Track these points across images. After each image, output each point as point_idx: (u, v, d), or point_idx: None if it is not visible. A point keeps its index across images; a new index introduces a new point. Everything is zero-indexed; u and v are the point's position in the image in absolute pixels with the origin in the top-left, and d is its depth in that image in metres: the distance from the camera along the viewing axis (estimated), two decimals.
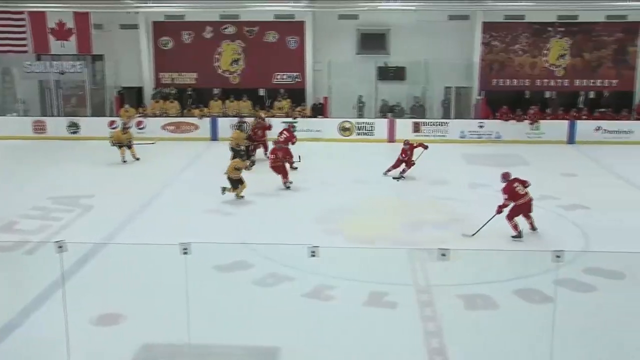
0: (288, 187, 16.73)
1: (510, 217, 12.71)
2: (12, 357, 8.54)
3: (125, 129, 20.60)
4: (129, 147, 20.13)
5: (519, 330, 9.14)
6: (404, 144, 18.23)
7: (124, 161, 19.88)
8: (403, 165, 17.99)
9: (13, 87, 27.09)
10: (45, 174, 18.81)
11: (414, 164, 17.98)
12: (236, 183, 15.51)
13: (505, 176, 13.08)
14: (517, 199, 12.69)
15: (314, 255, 7.15)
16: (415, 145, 18.13)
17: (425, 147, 18.13)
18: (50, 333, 8.38)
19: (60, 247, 7.00)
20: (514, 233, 12.71)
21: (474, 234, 12.39)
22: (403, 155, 17.98)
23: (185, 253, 7.65)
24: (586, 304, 10.02)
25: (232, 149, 18.63)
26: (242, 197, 15.54)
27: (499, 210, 12.59)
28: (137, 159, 20.20)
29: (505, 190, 12.75)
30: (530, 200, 12.80)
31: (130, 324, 9.34)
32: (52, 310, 9.03)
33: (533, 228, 13.02)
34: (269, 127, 21.04)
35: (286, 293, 10.28)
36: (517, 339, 8.88)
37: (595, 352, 8.53)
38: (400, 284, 10.65)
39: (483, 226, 12.47)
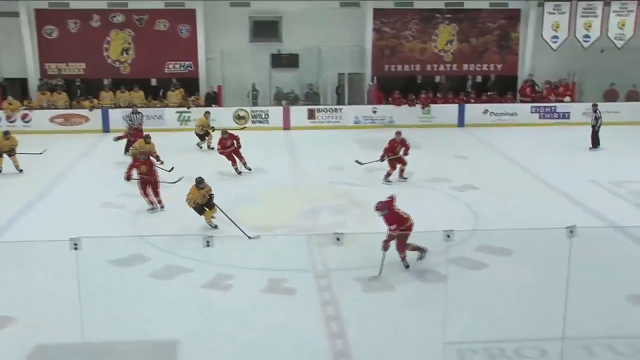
0: (153, 209, 14.28)
1: (402, 248, 10.77)
2: None
3: (6, 134, 17.86)
4: (10, 155, 17.57)
5: (414, 310, 9.41)
6: (396, 134, 16.49)
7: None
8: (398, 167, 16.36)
9: None
10: None
11: (382, 161, 16.39)
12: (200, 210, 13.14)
13: (381, 207, 10.77)
14: (403, 223, 10.73)
15: (208, 245, 7.07)
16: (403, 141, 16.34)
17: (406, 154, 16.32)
18: None
19: None
20: (419, 255, 11.07)
21: (379, 274, 10.53)
22: (389, 145, 16.23)
23: (75, 248, 7.41)
24: (477, 281, 10.39)
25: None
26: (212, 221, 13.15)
27: (385, 246, 10.58)
28: (20, 171, 17.51)
29: (390, 221, 10.66)
30: (412, 225, 10.85)
31: (21, 327, 9.00)
32: None
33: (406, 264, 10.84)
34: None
35: (184, 285, 10.16)
36: (413, 317, 9.13)
37: (486, 325, 8.88)
38: (299, 270, 10.73)
39: (382, 266, 10.49)
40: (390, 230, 10.58)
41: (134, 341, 8.58)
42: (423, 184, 16.10)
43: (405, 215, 10.84)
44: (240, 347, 8.44)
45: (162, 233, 12.13)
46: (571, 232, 7.64)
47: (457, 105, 24.61)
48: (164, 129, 22.48)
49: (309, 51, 25.04)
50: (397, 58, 26.26)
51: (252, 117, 23.95)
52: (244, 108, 24.04)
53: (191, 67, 25.62)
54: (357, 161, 17.08)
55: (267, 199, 15.16)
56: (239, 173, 17.22)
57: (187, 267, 10.64)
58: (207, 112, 21.00)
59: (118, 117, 22.65)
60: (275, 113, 24.13)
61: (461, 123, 24.41)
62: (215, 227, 12.79)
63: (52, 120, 23.48)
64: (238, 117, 23.77)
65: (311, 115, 24.16)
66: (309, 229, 12.69)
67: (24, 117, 23.28)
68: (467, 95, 25.30)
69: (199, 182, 12.75)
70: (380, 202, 10.82)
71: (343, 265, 10.77)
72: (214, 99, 24.55)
